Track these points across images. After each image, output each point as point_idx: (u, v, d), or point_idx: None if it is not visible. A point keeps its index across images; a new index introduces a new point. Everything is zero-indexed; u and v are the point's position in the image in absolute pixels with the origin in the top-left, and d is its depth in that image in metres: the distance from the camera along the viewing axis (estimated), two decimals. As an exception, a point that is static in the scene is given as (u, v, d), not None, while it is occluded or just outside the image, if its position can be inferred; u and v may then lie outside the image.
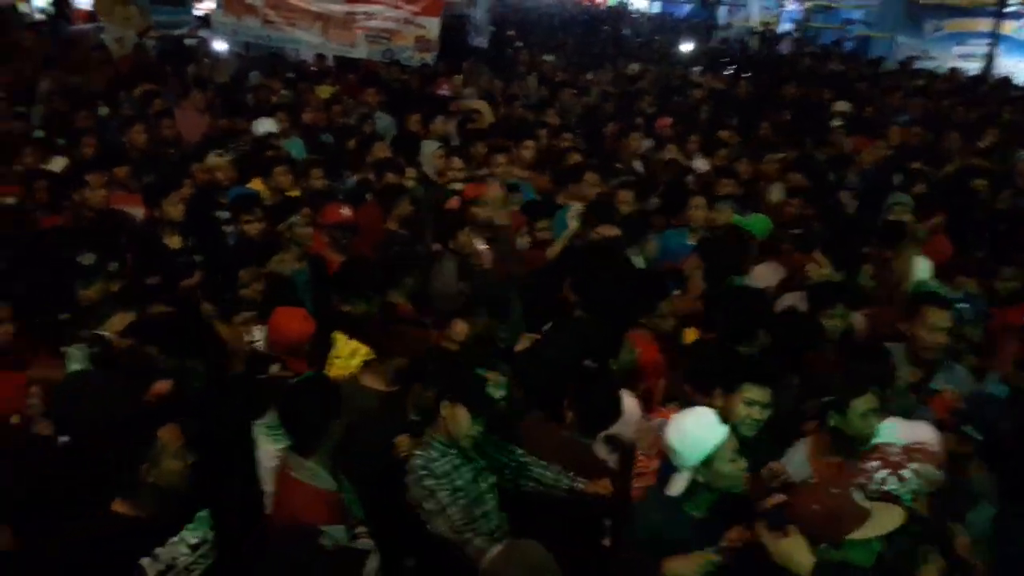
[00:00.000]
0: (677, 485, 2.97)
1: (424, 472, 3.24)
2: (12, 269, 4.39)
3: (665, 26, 27.92)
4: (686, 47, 19.49)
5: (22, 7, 14.91)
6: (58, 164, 6.28)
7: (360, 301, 4.47)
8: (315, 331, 4.07)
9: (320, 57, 12.21)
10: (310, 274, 5.10)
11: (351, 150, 7.57)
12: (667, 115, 9.96)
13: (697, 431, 2.96)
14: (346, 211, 5.52)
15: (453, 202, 6.14)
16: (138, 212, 5.65)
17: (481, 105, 9.80)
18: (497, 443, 3.51)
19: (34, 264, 4.34)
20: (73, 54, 11.01)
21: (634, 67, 14.97)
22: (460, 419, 3.25)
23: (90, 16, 14.63)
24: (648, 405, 3.99)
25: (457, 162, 6.87)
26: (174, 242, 5.32)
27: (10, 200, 5.48)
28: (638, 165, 8.14)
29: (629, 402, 3.78)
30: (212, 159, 6.36)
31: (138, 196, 5.74)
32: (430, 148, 7.59)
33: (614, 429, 3.70)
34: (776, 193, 6.96)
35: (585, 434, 3.68)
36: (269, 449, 3.40)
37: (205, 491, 2.88)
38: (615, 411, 3.65)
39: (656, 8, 34.39)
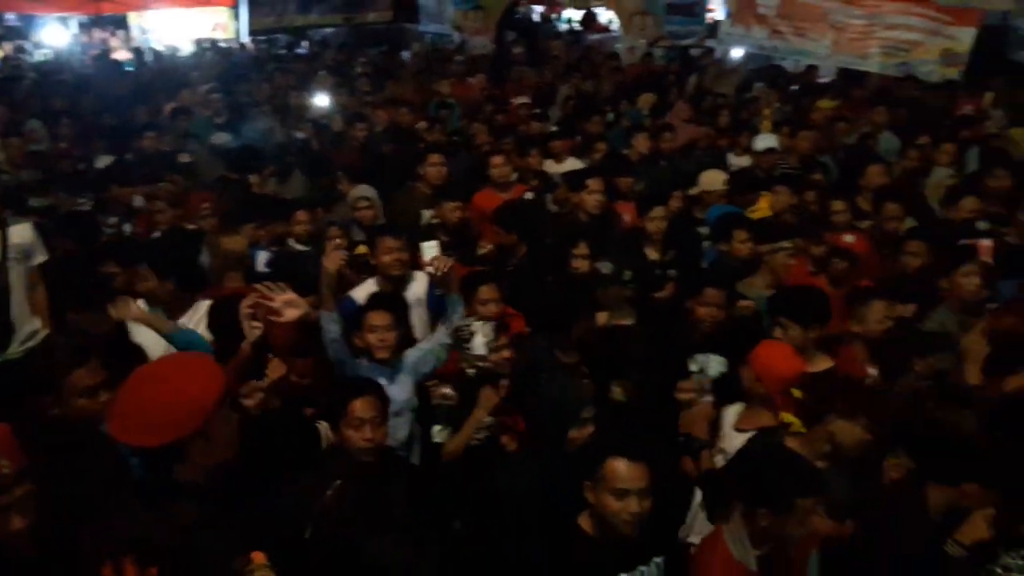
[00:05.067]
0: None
1: None
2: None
3: None
4: None
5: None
6: (569, 165, 6.75)
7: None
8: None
9: (811, 68, 11.57)
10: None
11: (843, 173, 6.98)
12: None
13: None
14: (850, 238, 5.29)
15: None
16: (627, 218, 5.86)
17: (1019, 133, 8.22)
18: None
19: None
20: (588, 62, 12.05)
21: None
22: None
23: (607, 27, 15.98)
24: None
25: (971, 201, 5.72)
26: (652, 253, 5.40)
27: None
28: None
29: None
30: (709, 175, 6.19)
31: (631, 204, 5.93)
32: (938, 176, 6.62)
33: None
34: None
35: None
36: None
37: (660, 541, 2.80)
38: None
39: None
